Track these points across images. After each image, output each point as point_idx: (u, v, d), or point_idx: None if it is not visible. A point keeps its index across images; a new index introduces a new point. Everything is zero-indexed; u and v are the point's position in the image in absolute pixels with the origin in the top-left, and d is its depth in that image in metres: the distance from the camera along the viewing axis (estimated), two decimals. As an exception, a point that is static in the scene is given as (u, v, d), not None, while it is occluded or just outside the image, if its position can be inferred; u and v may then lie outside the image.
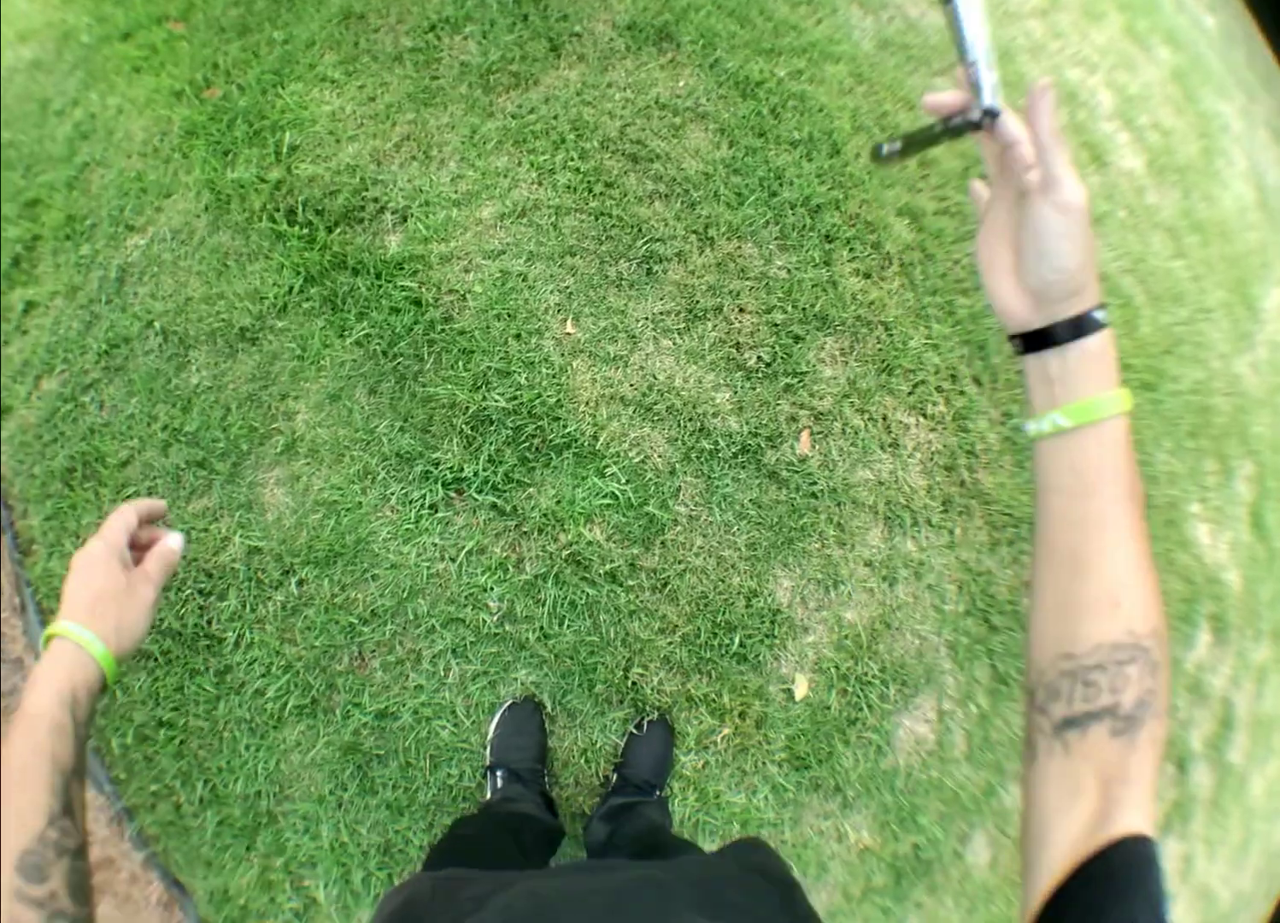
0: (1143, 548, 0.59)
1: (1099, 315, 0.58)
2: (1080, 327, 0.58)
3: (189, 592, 2.04)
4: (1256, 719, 3.00)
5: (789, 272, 2.36)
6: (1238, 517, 3.08)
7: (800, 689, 2.11)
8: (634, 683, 2.02)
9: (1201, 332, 3.25)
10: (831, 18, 2.82)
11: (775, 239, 2.39)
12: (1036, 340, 0.61)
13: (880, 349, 2.35)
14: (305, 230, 2.28)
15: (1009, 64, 3.13)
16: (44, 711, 0.69)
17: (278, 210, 2.30)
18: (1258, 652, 3.02)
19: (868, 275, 2.42)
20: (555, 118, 2.42)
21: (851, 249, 2.43)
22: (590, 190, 2.34)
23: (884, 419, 2.30)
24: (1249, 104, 4.98)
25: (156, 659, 2.02)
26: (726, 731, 2.05)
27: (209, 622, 2.03)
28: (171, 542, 0.87)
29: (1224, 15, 6.20)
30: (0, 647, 2.12)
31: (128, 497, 2.10)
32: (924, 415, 2.35)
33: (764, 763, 2.07)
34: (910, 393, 2.35)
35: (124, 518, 0.84)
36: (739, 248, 2.36)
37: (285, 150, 2.37)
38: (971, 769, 2.24)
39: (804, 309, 2.32)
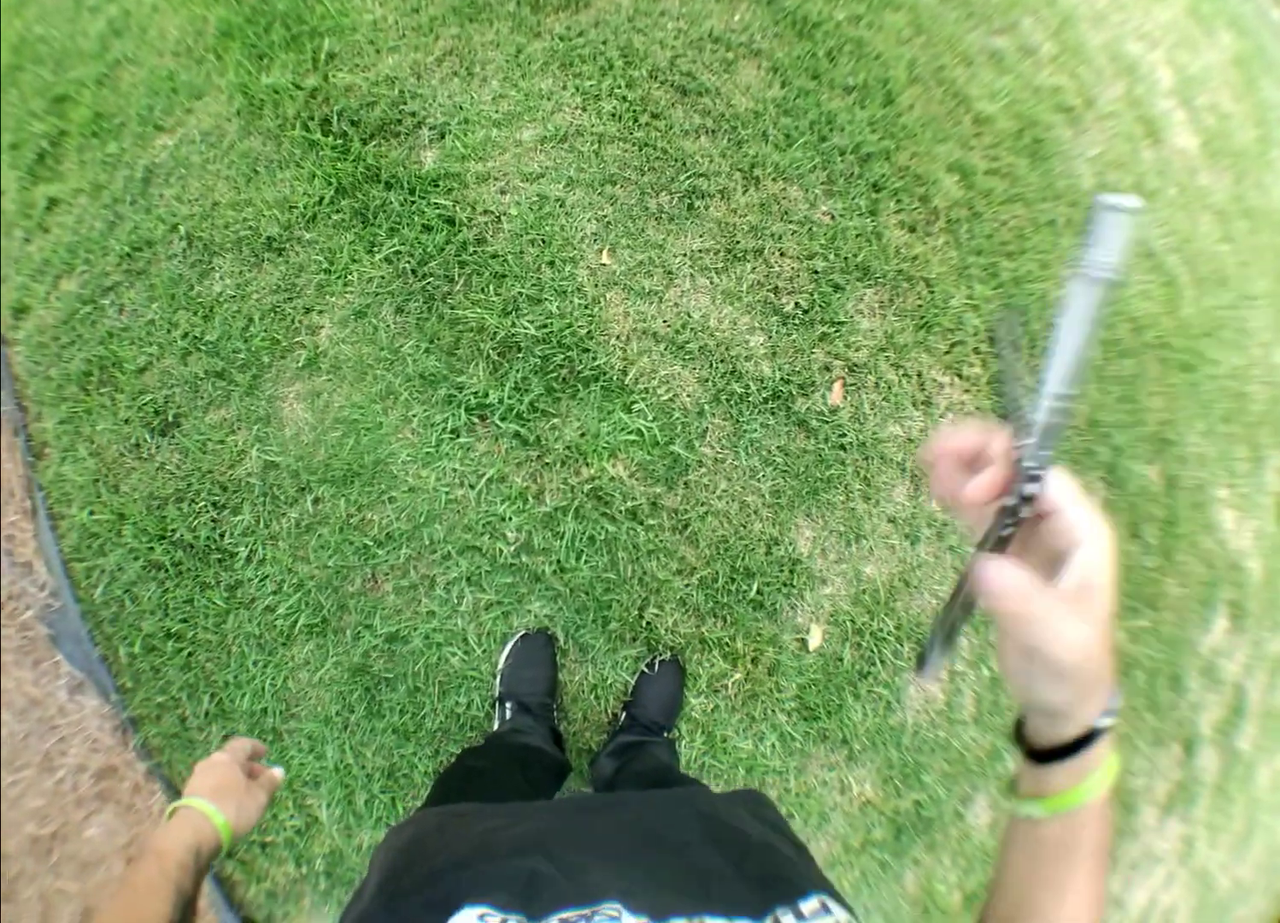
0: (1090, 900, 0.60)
1: (1104, 722, 0.55)
2: (1088, 739, 0.55)
3: (202, 504, 2.06)
4: (1267, 710, 3.01)
5: (833, 218, 2.34)
6: (1264, 506, 3.08)
7: (814, 640, 2.12)
8: (648, 623, 2.03)
9: (1244, 318, 3.23)
10: (893, -37, 2.77)
11: (821, 184, 2.36)
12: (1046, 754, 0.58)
13: (920, 305, 2.33)
14: (339, 141, 2.26)
15: (1070, 29, 3.08)
16: (170, 850, 0.84)
17: (312, 119, 2.28)
18: (1274, 643, 3.03)
19: (913, 229, 2.40)
20: (604, 43, 2.38)
21: (899, 201, 2.41)
22: (635, 120, 2.32)
23: (919, 376, 2.29)
24: None
25: (167, 570, 2.04)
26: (738, 676, 2.07)
27: (221, 535, 2.05)
28: (278, 772, 1.08)
29: None
30: (11, 549, 2.14)
31: (144, 405, 2.11)
32: (959, 376, 2.34)
33: (773, 711, 2.09)
34: (947, 352, 2.33)
35: (244, 741, 1.06)
36: (784, 190, 2.33)
37: (323, 58, 2.34)
38: (978, 732, 2.26)
39: (846, 258, 2.30)
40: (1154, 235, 2.95)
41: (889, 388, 2.25)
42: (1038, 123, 2.73)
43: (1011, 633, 0.52)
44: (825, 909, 0.70)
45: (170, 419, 2.13)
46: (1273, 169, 3.88)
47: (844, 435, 2.19)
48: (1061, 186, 2.69)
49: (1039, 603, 0.49)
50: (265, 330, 2.14)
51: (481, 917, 0.66)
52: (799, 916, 0.70)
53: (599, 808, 1.07)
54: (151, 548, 2.04)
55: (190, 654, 2.03)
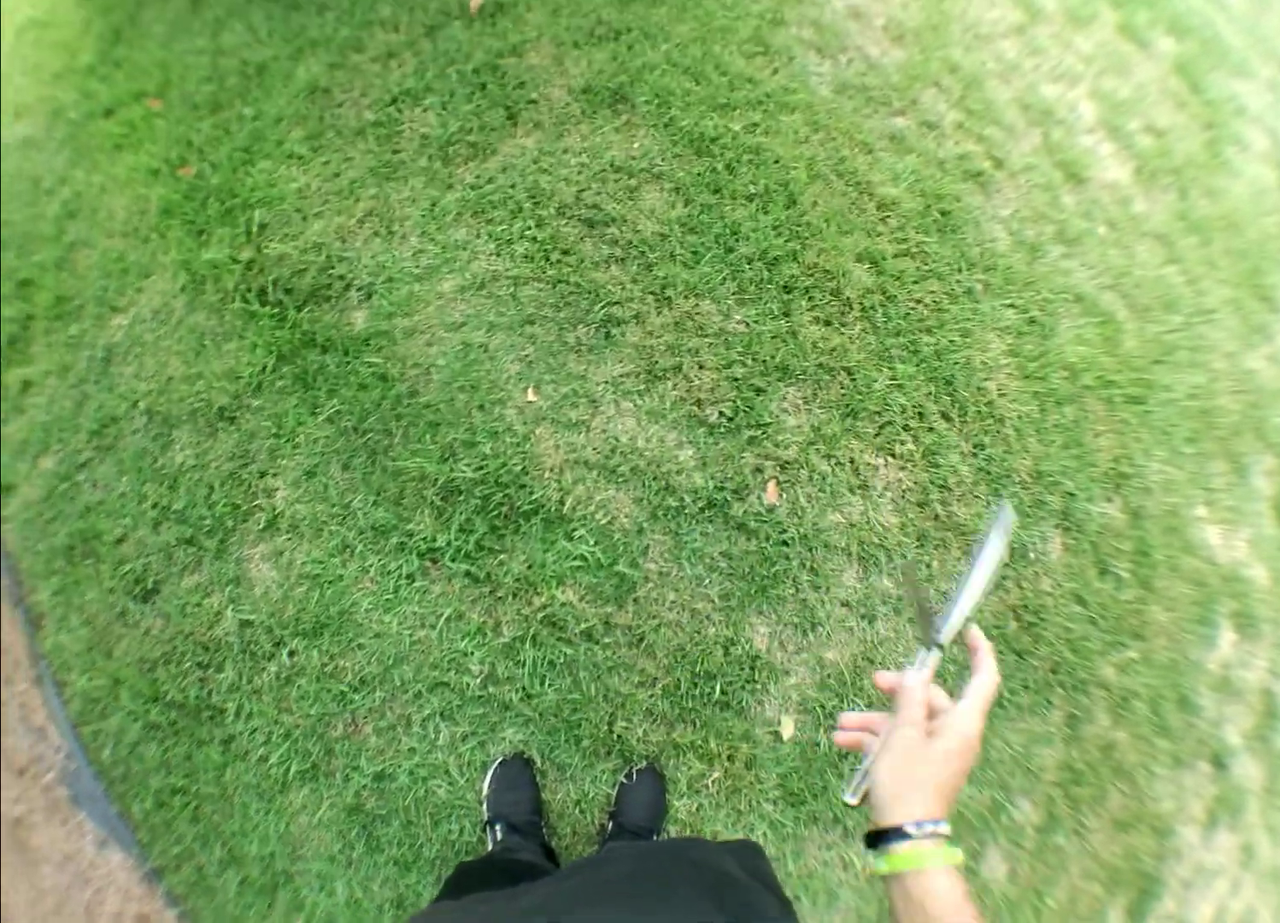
0: None
1: (909, 830, 0.74)
2: (894, 835, 0.75)
3: (189, 665, 2.19)
4: None
5: (748, 325, 2.45)
6: (1258, 512, 3.08)
7: (787, 730, 2.19)
8: (619, 735, 2.12)
9: (1201, 335, 3.26)
10: (788, 66, 2.89)
11: (733, 294, 2.48)
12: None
13: (844, 394, 2.43)
14: (276, 309, 2.43)
15: (976, 91, 3.18)
16: None
17: (249, 290, 2.45)
18: None
19: (828, 322, 2.50)
20: (513, 186, 2.53)
21: (810, 298, 2.52)
22: (547, 258, 2.46)
23: (851, 462, 2.39)
24: (1278, 74, 4.87)
25: (164, 730, 2.18)
26: (717, 774, 2.14)
27: (209, 693, 2.18)
28: None
29: None
30: (25, 716, 2.29)
31: (125, 574, 2.26)
32: (892, 455, 2.43)
33: (758, 802, 2.16)
34: (877, 434, 2.43)
35: None
36: (697, 306, 2.45)
37: (255, 229, 2.51)
38: (974, 789, 2.30)
39: (764, 361, 2.41)
40: (1083, 278, 3.03)
41: (823, 479, 2.35)
42: (944, 195, 2.82)
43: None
44: None
45: (150, 586, 2.27)
46: (1226, 170, 3.87)
47: (784, 531, 2.28)
48: (976, 254, 2.78)
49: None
50: (226, 496, 2.29)
51: None
52: None
53: (593, 866, 1.14)
54: (148, 709, 2.18)
55: (197, 807, 2.15)
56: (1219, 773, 2.70)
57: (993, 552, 0.86)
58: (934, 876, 0.72)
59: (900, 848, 0.74)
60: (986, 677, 0.80)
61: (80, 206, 2.78)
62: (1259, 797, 2.78)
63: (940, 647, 0.85)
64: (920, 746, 0.77)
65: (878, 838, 0.76)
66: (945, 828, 0.74)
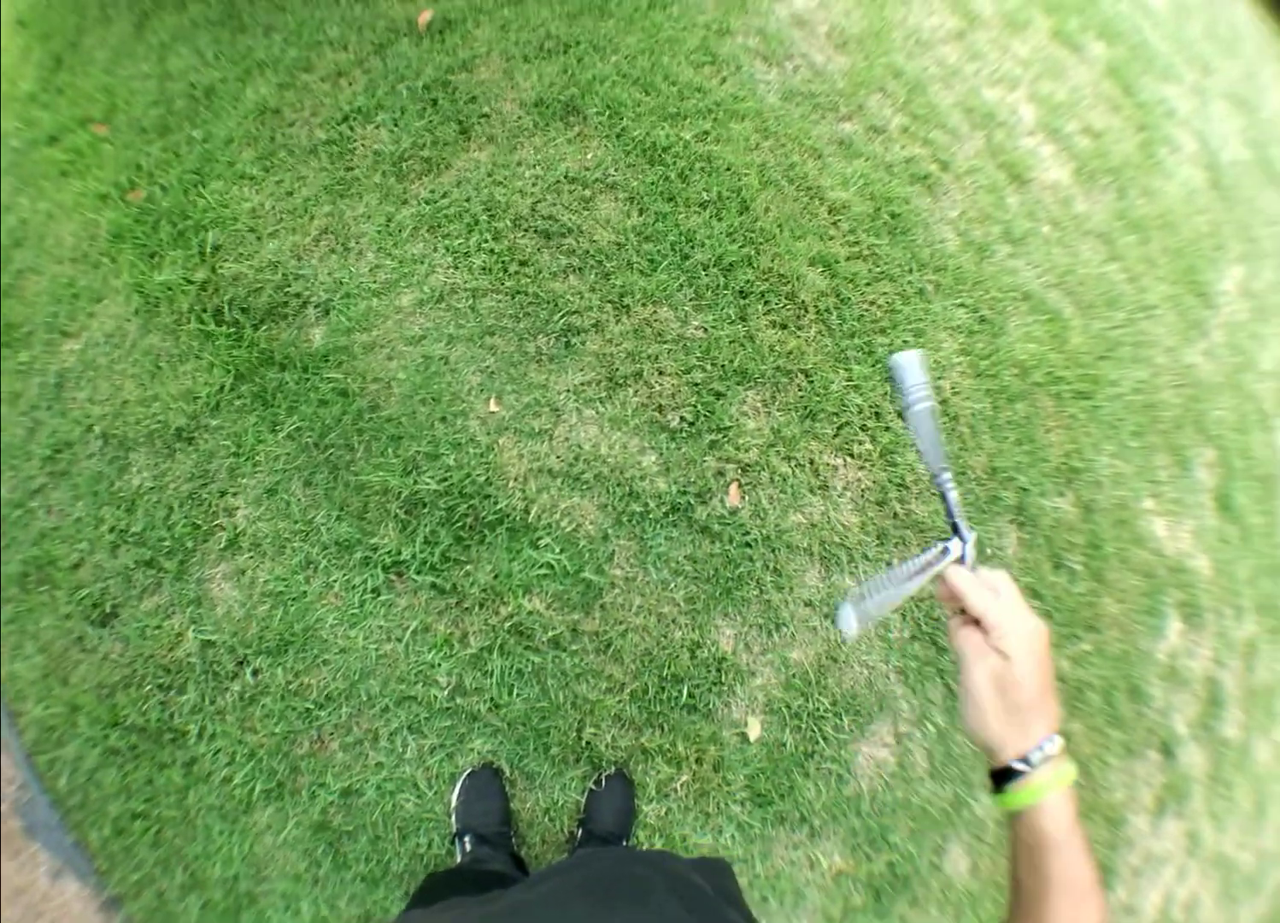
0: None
1: (1035, 756, 0.74)
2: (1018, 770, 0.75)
3: (149, 687, 2.16)
4: (1251, 691, 3.10)
5: (706, 331, 2.49)
6: (1200, 504, 3.18)
7: (754, 731, 2.22)
8: (588, 742, 2.13)
9: (1143, 331, 3.36)
10: (735, 75, 2.95)
11: (690, 301, 2.52)
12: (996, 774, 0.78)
13: (802, 396, 2.48)
14: (232, 329, 2.42)
15: (920, 96, 3.26)
16: None
17: (205, 310, 2.44)
18: (1241, 628, 3.13)
19: (784, 326, 2.55)
20: (468, 200, 2.55)
21: (766, 302, 2.56)
22: (505, 270, 2.48)
23: (811, 463, 2.43)
24: (1202, 79, 4.95)
25: (124, 754, 2.14)
26: (685, 777, 2.16)
27: (171, 716, 2.14)
28: None
29: None
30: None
31: (82, 600, 2.23)
32: (851, 455, 2.48)
33: (726, 803, 2.18)
34: (835, 435, 2.47)
35: None
36: (655, 313, 2.49)
37: (209, 250, 2.50)
38: (936, 785, 2.34)
39: (723, 366, 2.45)
40: (1030, 277, 3.11)
41: (784, 480, 2.39)
42: (893, 198, 2.89)
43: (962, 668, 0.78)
44: None
45: (108, 610, 2.24)
46: (1160, 170, 4.00)
47: (747, 533, 2.32)
48: (926, 255, 2.84)
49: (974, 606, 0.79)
50: (186, 517, 2.27)
51: None
52: None
53: (566, 870, 1.13)
54: (107, 735, 2.14)
55: (158, 832, 2.11)
56: (1167, 761, 2.79)
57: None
58: (1045, 807, 0.73)
59: (1018, 785, 0.74)
60: (999, 573, 0.81)
61: (26, 234, 2.75)
62: (1203, 784, 2.88)
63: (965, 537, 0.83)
64: (1005, 673, 0.75)
65: (1000, 778, 0.76)
66: (1058, 745, 0.75)
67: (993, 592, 0.78)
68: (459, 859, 2.02)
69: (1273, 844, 3.22)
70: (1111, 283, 3.38)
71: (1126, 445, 3.04)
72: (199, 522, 2.26)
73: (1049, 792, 0.73)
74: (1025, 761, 0.74)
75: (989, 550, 2.59)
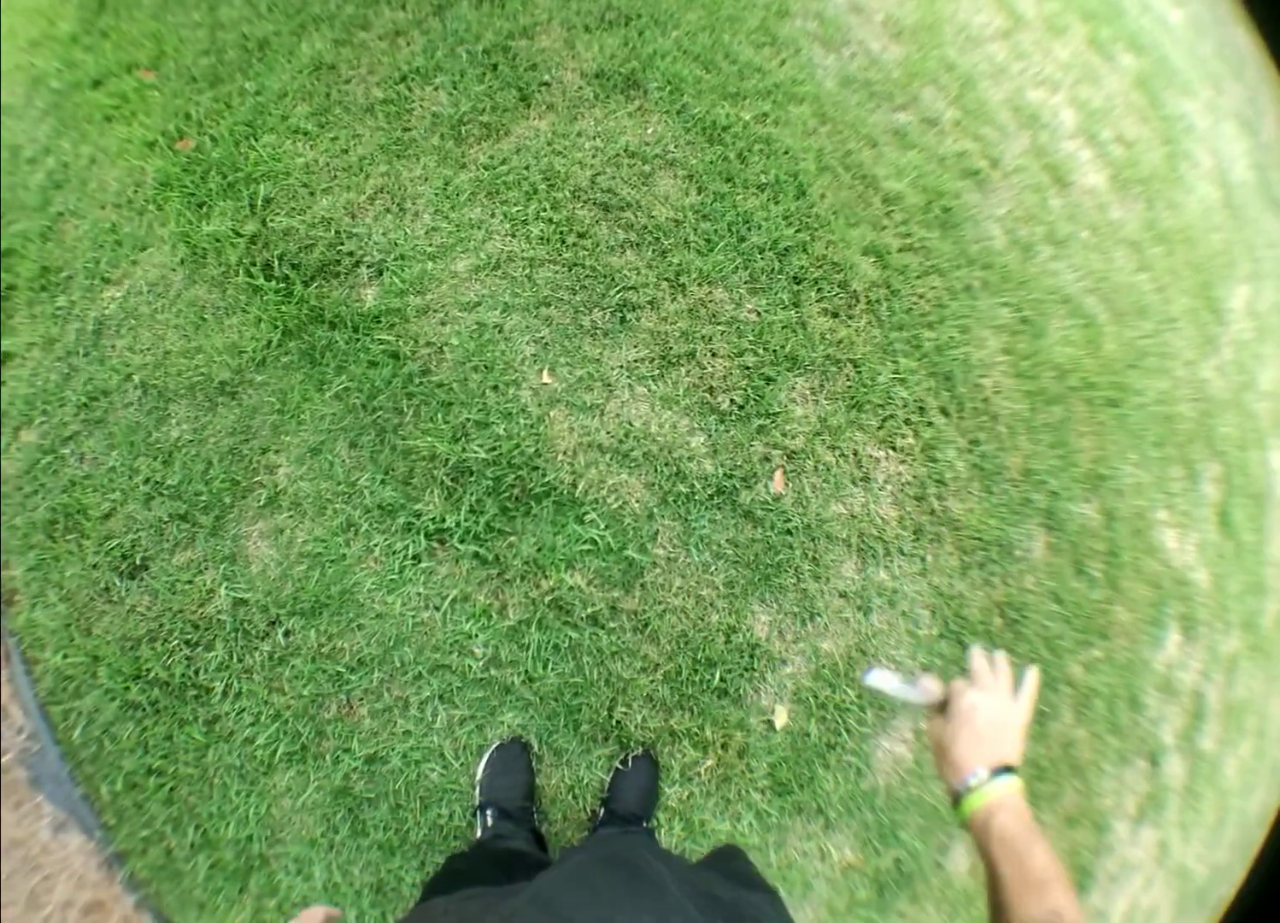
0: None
1: (968, 783, 0.98)
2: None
3: (175, 642, 2.13)
4: (1228, 706, 3.17)
5: (759, 314, 2.48)
6: (1205, 518, 3.22)
7: (780, 719, 2.22)
8: (618, 721, 2.13)
9: (1166, 342, 3.38)
10: (795, 58, 2.93)
11: (745, 283, 2.51)
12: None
13: (849, 386, 2.47)
14: (282, 284, 2.38)
15: (971, 91, 3.25)
16: None
17: (254, 264, 2.40)
18: (1228, 643, 3.19)
19: (835, 314, 2.55)
20: (527, 168, 2.53)
21: (819, 289, 2.55)
22: (563, 241, 2.46)
23: (855, 454, 2.42)
24: (1215, 97, 5.02)
25: (144, 709, 2.10)
26: (710, 762, 2.16)
27: (196, 672, 2.11)
28: None
29: (1194, 6, 6.24)
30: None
31: (111, 550, 2.19)
32: (893, 448, 2.47)
33: (747, 791, 2.18)
34: (879, 427, 2.47)
35: (318, 911, 1.10)
36: (710, 293, 2.47)
37: (260, 203, 2.46)
38: (943, 784, 2.35)
39: (774, 351, 2.44)
40: (1069, 280, 3.10)
41: (828, 470, 2.38)
42: (945, 192, 2.89)
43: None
44: None
45: (138, 562, 2.20)
46: (1183, 185, 4.04)
47: (789, 521, 2.31)
48: (975, 251, 2.84)
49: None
50: (225, 472, 2.23)
51: None
52: None
53: (584, 850, 1.16)
54: (127, 688, 2.11)
55: (172, 789, 2.08)
56: (1153, 770, 2.84)
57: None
58: (995, 808, 0.92)
59: (975, 794, 0.95)
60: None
61: (67, 177, 2.69)
62: (1179, 795, 2.94)
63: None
64: (941, 734, 1.05)
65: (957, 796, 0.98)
66: (981, 776, 0.97)
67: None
68: (479, 833, 2.01)
69: (1225, 859, 3.27)
70: (1141, 292, 3.39)
71: (1148, 455, 3.06)
72: (238, 478, 2.23)
73: (989, 796, 0.94)
74: (969, 781, 0.97)
75: (1018, 553, 2.59)
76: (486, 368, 2.31)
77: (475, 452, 2.21)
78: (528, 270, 2.42)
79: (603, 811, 2.08)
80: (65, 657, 2.15)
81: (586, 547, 2.18)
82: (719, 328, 2.44)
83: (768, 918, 1.01)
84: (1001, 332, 2.77)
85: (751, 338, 2.44)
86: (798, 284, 2.54)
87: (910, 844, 2.31)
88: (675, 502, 2.27)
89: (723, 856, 1.33)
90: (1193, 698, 2.99)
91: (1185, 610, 2.99)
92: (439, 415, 2.25)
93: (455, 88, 2.62)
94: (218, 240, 2.43)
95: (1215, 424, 3.42)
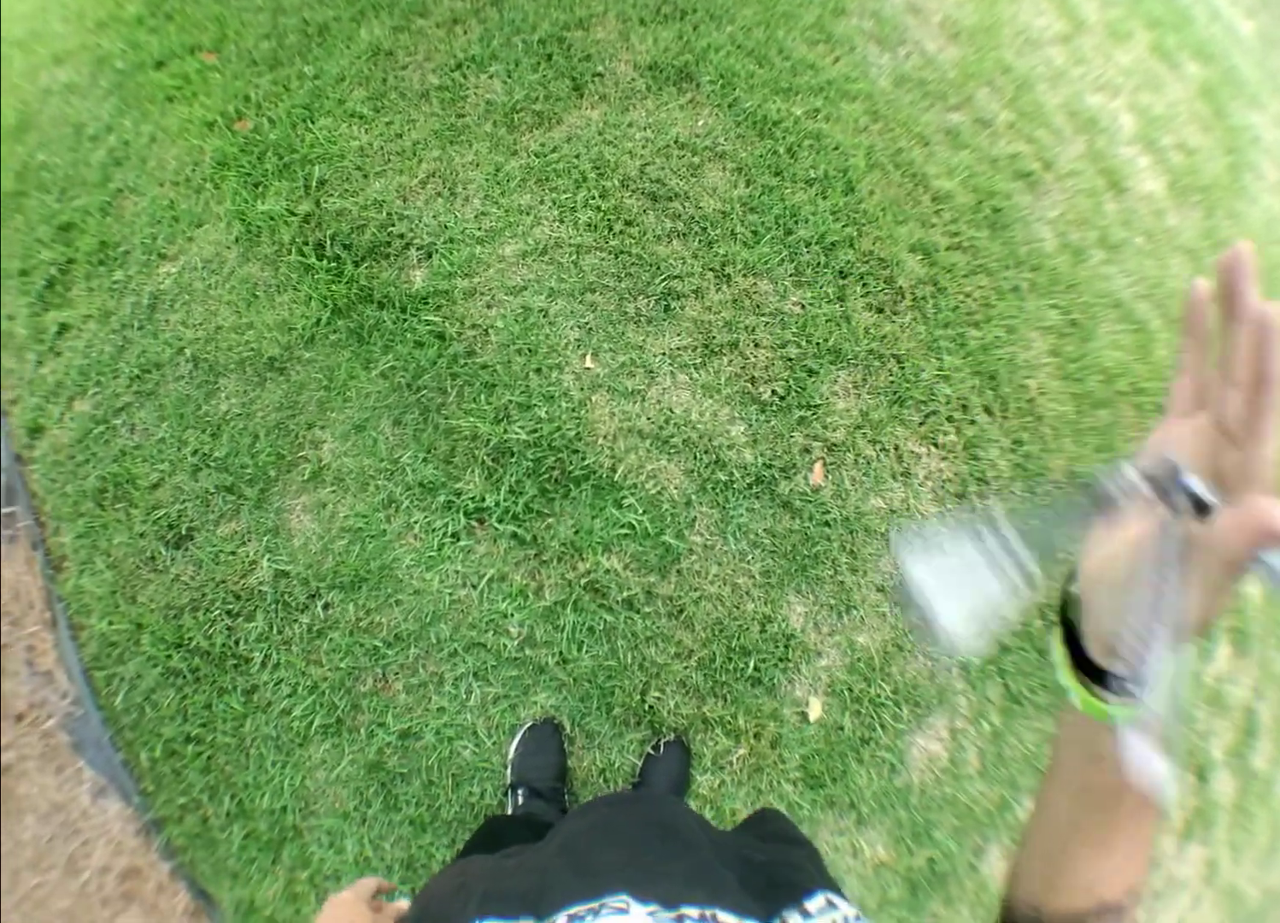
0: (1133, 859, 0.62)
1: None
2: None
3: (217, 612, 2.20)
4: None
5: (803, 307, 2.51)
6: None
7: (814, 711, 2.23)
8: (651, 706, 2.16)
9: (1217, 354, 3.35)
10: (849, 55, 2.96)
11: (790, 276, 2.54)
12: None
13: (892, 381, 2.49)
14: (333, 264, 2.45)
15: (1027, 94, 3.25)
16: None
17: (306, 243, 2.48)
18: None
19: (880, 310, 2.56)
20: (577, 157, 2.58)
21: (865, 284, 2.57)
22: (610, 228, 2.50)
23: (896, 449, 2.43)
24: None
25: (185, 677, 2.17)
26: (742, 751, 2.18)
27: (236, 642, 2.18)
28: (403, 904, 1.09)
29: (1265, 18, 6.17)
30: (31, 659, 2.27)
31: (158, 519, 2.27)
32: (935, 445, 2.48)
33: (779, 782, 2.19)
34: (922, 423, 2.48)
35: (370, 881, 1.07)
36: (755, 284, 2.51)
37: (314, 184, 2.54)
38: (985, 785, 2.35)
39: (818, 344, 2.46)
40: (1122, 285, 3.09)
41: (868, 464, 2.39)
42: (996, 192, 2.89)
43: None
44: (831, 906, 0.75)
45: (183, 532, 2.27)
46: (1245, 195, 3.98)
47: (828, 513, 2.33)
48: (1023, 253, 2.84)
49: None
50: (271, 446, 2.30)
51: None
52: (805, 914, 0.74)
53: (618, 803, 1.15)
54: (169, 655, 2.18)
55: (210, 757, 2.15)
56: (1201, 786, 2.78)
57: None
58: None
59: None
60: None
61: (128, 154, 2.79)
62: (1229, 813, 2.87)
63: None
64: None
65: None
66: None
67: None
68: (509, 812, 2.04)
69: (1278, 883, 3.21)
70: (1196, 301, 3.35)
71: (1196, 467, 3.02)
72: (284, 452, 2.30)
73: None
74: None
75: (1061, 555, 2.57)
76: (530, 351, 2.35)
77: (517, 433, 2.26)
78: (574, 257, 2.46)
79: (633, 795, 2.10)
80: (110, 623, 2.23)
81: (624, 531, 2.22)
82: (763, 319, 2.47)
83: (805, 875, 0.92)
84: (1049, 333, 2.76)
85: (795, 330, 2.47)
86: (843, 278, 2.56)
87: (944, 844, 2.29)
88: (714, 489, 2.29)
89: (761, 819, 1.33)
90: (1244, 714, 2.94)
91: (1238, 624, 2.94)
92: (482, 396, 2.30)
93: (510, 76, 2.69)
94: (272, 219, 2.51)
95: (1270, 441, 3.38)
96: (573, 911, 0.69)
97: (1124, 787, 0.56)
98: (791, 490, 2.32)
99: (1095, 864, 0.60)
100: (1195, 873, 2.78)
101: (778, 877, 0.88)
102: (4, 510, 2.38)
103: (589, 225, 2.50)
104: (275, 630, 2.19)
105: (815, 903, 0.75)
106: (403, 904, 1.08)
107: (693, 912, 0.68)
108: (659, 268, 2.47)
